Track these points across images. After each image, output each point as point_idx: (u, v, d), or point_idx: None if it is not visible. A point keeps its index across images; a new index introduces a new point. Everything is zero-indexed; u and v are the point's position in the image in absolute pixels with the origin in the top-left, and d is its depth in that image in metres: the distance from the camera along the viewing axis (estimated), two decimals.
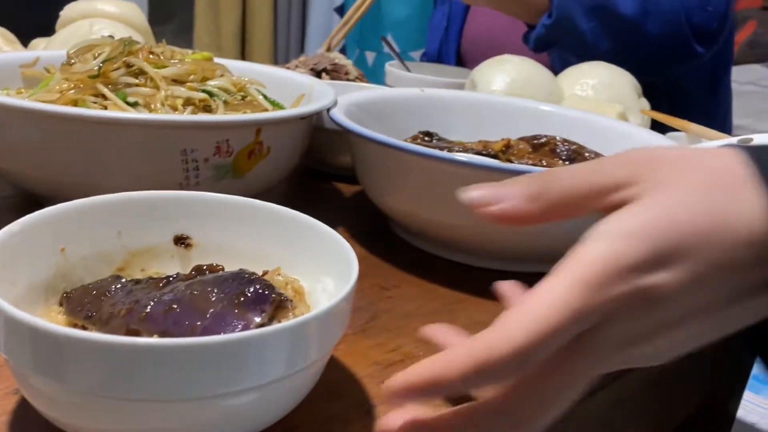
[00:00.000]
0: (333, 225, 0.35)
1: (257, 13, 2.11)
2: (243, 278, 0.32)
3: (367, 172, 0.55)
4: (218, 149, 0.46)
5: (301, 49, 2.25)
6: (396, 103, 0.67)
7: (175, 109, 0.48)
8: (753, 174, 0.25)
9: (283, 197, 0.64)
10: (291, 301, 0.32)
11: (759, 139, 0.44)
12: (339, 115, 0.54)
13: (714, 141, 0.69)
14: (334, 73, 0.84)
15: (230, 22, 2.09)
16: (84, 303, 0.32)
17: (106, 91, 0.48)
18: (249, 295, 0.31)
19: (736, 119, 1.48)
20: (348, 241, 0.34)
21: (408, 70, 1.02)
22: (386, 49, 2.08)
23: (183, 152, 0.44)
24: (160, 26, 2.32)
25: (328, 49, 0.94)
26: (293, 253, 0.36)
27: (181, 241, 0.37)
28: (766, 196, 0.24)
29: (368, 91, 0.66)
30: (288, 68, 0.87)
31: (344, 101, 0.59)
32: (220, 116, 0.47)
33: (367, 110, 0.62)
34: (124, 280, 0.34)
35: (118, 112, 0.46)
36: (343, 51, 2.46)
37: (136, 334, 0.30)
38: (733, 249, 0.24)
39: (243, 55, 2.14)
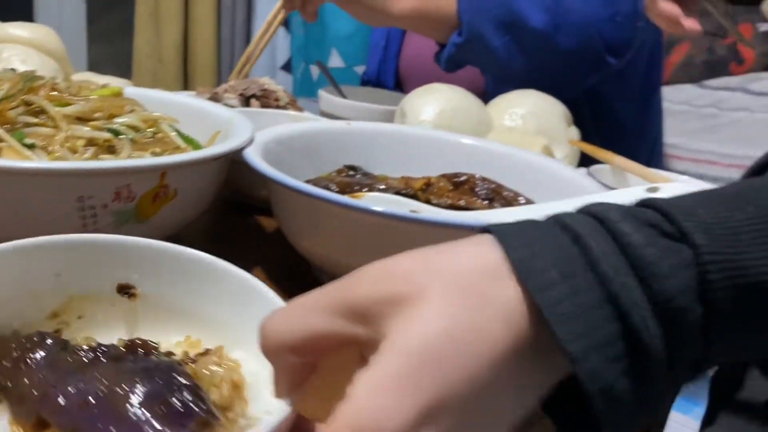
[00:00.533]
0: (253, 264, 0.34)
1: (200, 24, 2.07)
2: (172, 381, 0.29)
3: (283, 214, 0.54)
4: (118, 195, 0.44)
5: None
6: (321, 136, 0.66)
7: (74, 151, 0.46)
8: (504, 272, 0.24)
9: (202, 234, 0.63)
10: (218, 420, 0.29)
11: (668, 189, 0.45)
12: (254, 154, 0.52)
13: (637, 174, 0.70)
14: (264, 99, 0.83)
15: (172, 32, 2.05)
16: (2, 366, 0.31)
17: (1, 131, 0.46)
18: (174, 406, 0.28)
19: (671, 138, 1.52)
20: (268, 283, 0.32)
21: (343, 95, 1.01)
22: (331, 64, 2.07)
23: (79, 199, 0.42)
24: (98, 25, 2.26)
25: (245, 77, 0.93)
26: (235, 316, 0.34)
27: (124, 290, 0.36)
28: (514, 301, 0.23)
29: (292, 126, 0.65)
30: (216, 93, 0.85)
31: (264, 137, 0.58)
32: (118, 162, 0.45)
33: (290, 145, 0.61)
34: (49, 342, 0.31)
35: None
36: (288, 64, 2.44)
37: (46, 425, 0.28)
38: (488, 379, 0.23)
39: (186, 67, 2.10)
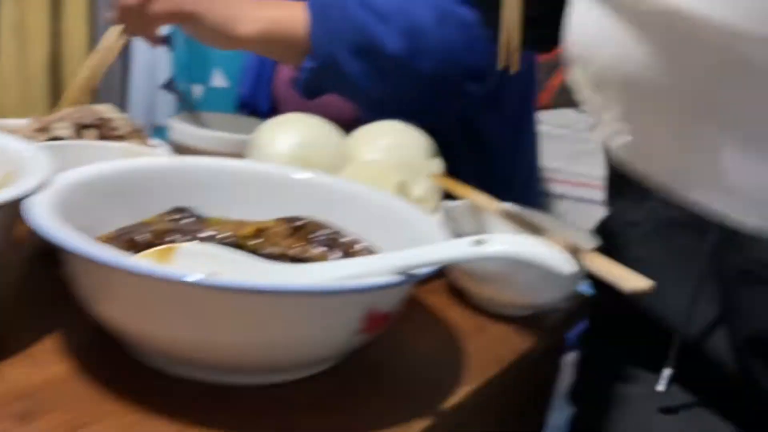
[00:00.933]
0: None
1: (70, 39, 1.94)
2: None
3: (69, 275, 0.46)
4: None
5: (123, 85, 2.10)
6: (148, 174, 0.59)
7: None
8: None
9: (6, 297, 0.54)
10: None
11: (495, 242, 0.41)
12: (41, 201, 0.45)
13: (493, 213, 0.67)
14: (100, 128, 0.75)
15: (38, 48, 1.91)
16: None
17: None
18: None
19: (552, 162, 1.53)
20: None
21: (200, 122, 0.94)
22: (213, 84, 1.98)
23: None
24: None
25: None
26: None
27: None
28: None
29: (113, 164, 0.57)
30: (49, 122, 0.76)
31: (68, 178, 0.50)
32: None
33: (102, 187, 0.54)
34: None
35: None
36: (170, 83, 2.33)
37: None
38: None
39: (55, 86, 1.96)
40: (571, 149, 1.60)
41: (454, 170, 1.07)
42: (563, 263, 0.41)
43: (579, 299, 0.69)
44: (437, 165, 0.80)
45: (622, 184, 0.75)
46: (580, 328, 1.13)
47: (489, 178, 1.13)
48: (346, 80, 0.85)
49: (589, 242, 0.63)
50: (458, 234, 0.63)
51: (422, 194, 0.77)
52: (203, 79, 2.05)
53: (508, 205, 0.68)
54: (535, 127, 1.22)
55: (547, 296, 0.62)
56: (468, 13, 0.85)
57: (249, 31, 0.84)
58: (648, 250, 0.69)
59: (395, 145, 0.77)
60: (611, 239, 0.77)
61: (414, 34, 0.83)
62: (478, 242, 0.41)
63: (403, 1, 0.85)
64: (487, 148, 1.09)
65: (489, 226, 0.69)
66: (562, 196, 1.54)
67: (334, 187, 0.60)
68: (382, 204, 0.58)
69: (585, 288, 0.83)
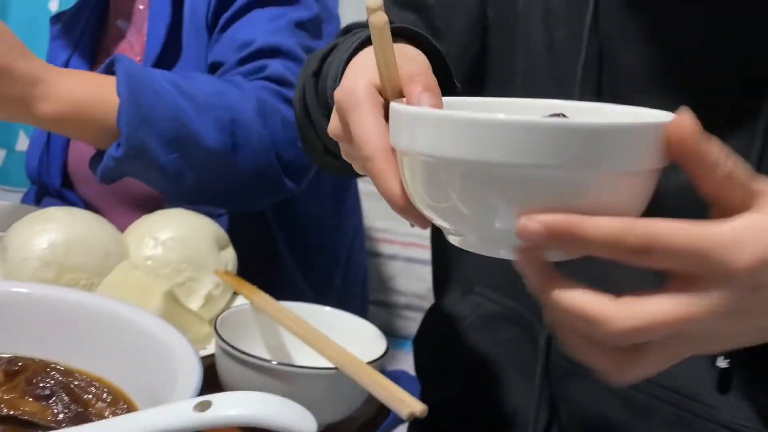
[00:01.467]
0: None
1: None
2: None
3: None
4: None
5: None
6: None
7: None
8: None
9: None
10: None
11: (222, 403, 0.35)
12: None
13: (273, 318, 0.61)
14: None
15: None
16: None
17: None
18: None
19: (380, 222, 1.51)
20: None
21: None
22: (19, 148, 1.81)
23: None
24: None
25: None
26: None
27: None
28: None
29: None
30: None
31: None
32: None
33: None
34: None
35: None
36: None
37: None
38: None
39: None
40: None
41: (271, 250, 1.02)
42: (303, 424, 0.36)
43: (375, 405, 0.65)
44: (228, 256, 0.74)
45: (447, 278, 0.74)
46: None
47: (310, 253, 1.08)
48: (156, 170, 0.76)
49: (379, 347, 0.59)
50: (237, 339, 0.57)
51: (210, 292, 0.70)
52: (9, 142, 1.87)
53: (291, 307, 0.63)
54: (357, 192, 1.20)
55: (332, 415, 0.57)
56: (289, 111, 0.82)
57: (49, 112, 0.73)
58: (475, 342, 0.67)
59: (179, 238, 0.70)
60: (438, 330, 0.75)
61: (234, 129, 0.78)
62: (203, 406, 0.35)
63: (223, 92, 0.80)
64: (307, 225, 1.05)
65: (268, 332, 0.63)
66: (393, 257, 1.53)
67: (77, 305, 0.52)
68: (133, 328, 0.51)
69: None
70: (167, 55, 0.94)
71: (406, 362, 1.48)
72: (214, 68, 0.91)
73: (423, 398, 0.81)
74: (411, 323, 1.60)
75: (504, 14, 0.61)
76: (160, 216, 0.72)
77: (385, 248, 1.53)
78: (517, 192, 0.33)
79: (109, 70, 0.77)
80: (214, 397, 0.35)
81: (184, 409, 0.35)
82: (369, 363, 0.54)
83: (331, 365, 0.54)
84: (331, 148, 0.58)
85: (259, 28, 0.88)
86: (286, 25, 0.89)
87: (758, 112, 0.48)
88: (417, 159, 0.36)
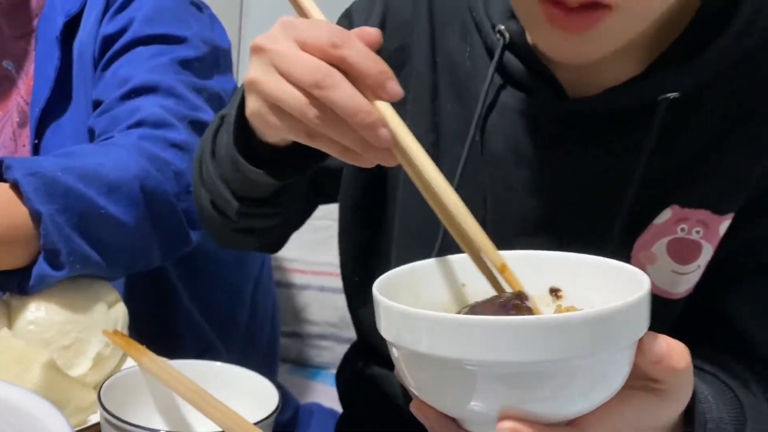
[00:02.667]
0: None
1: None
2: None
3: None
4: None
5: None
6: None
7: None
8: None
9: None
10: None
11: None
12: None
13: (162, 381, 0.60)
14: None
15: None
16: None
17: None
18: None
19: (292, 252, 1.50)
20: None
21: None
22: None
23: None
24: None
25: None
26: None
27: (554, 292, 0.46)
28: None
29: None
30: None
31: None
32: None
33: None
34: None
35: None
36: None
37: None
38: None
39: None
40: (311, 238, 1.60)
41: (170, 297, 1.00)
42: None
43: None
44: (118, 312, 0.72)
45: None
46: None
47: (212, 295, 1.07)
48: (93, 266, 0.71)
49: (271, 402, 0.59)
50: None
51: (100, 352, 0.68)
52: None
53: (184, 365, 0.62)
54: None
55: None
56: (175, 157, 0.79)
57: None
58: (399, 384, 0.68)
59: (65, 298, 0.68)
60: (358, 368, 0.76)
61: (144, 197, 0.75)
62: None
63: (121, 165, 0.74)
64: (206, 265, 1.04)
65: (160, 393, 0.62)
66: (305, 287, 1.52)
67: None
68: (5, 406, 0.49)
69: None
70: (57, 100, 0.92)
71: (322, 393, 1.48)
72: (96, 106, 0.89)
73: (343, 422, 0.81)
74: (325, 352, 1.60)
75: None
76: None
77: (297, 278, 1.53)
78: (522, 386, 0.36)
79: None
80: None
81: None
82: (258, 422, 0.54)
83: (218, 429, 0.53)
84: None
85: (140, 65, 0.87)
86: (168, 62, 0.87)
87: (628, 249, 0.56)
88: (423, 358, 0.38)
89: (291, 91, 0.46)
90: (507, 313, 0.40)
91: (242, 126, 0.55)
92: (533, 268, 0.46)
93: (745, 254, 0.56)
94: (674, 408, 0.44)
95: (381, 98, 0.45)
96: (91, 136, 0.87)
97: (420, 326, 0.37)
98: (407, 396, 0.69)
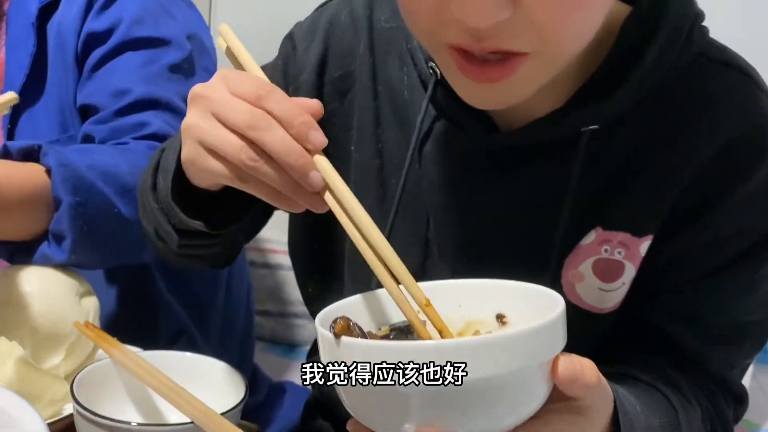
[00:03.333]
0: None
1: None
2: None
3: None
4: None
5: None
6: None
7: None
8: None
9: None
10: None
11: None
12: None
13: (134, 374, 0.63)
14: None
15: None
16: None
17: None
18: None
19: (266, 232, 1.52)
20: None
21: None
22: None
23: None
24: None
25: None
26: None
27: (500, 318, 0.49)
28: None
29: None
30: None
31: None
32: None
33: None
34: None
35: None
36: None
37: None
38: None
39: None
40: (285, 217, 1.62)
41: (148, 282, 1.01)
42: None
43: None
44: (90, 304, 0.74)
45: None
46: None
47: (192, 278, 1.08)
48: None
49: (238, 392, 0.61)
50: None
51: (73, 343, 0.70)
52: None
53: (155, 356, 0.64)
54: (244, 261, 1.23)
55: None
56: None
57: None
58: None
59: (35, 293, 0.70)
60: None
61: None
62: None
63: (134, 168, 0.78)
64: (193, 298, 1.07)
65: (132, 384, 0.64)
66: (278, 266, 1.55)
67: None
68: None
69: None
70: (32, 88, 0.92)
71: (296, 370, 1.51)
72: (86, 110, 0.91)
73: (312, 406, 0.84)
74: (300, 330, 1.63)
75: (342, 158, 0.67)
76: (12, 273, 0.71)
77: (271, 258, 1.55)
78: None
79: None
80: None
81: None
82: (225, 412, 0.57)
83: (188, 420, 0.56)
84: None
85: (133, 74, 0.89)
86: (161, 71, 0.90)
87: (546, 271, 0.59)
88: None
89: (226, 134, 0.47)
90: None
91: (179, 171, 0.57)
92: (478, 296, 0.49)
93: (666, 270, 0.60)
94: (597, 421, 0.46)
95: (306, 148, 0.47)
96: (85, 139, 0.89)
97: (353, 354, 0.40)
98: None
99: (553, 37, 0.46)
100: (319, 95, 0.67)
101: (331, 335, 0.42)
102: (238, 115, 0.47)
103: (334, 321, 0.43)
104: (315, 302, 0.76)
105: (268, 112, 0.47)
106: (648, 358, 0.60)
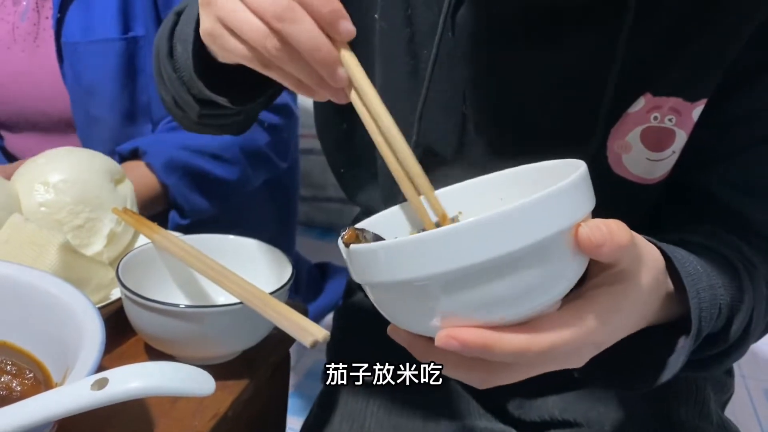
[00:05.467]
0: None
1: None
2: None
3: None
4: None
5: None
6: None
7: None
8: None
9: None
10: None
11: (119, 375, 0.36)
12: None
13: (178, 256, 0.62)
14: None
15: None
16: None
17: None
18: None
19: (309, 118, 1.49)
20: None
21: None
22: None
23: None
24: None
25: None
26: None
27: None
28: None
29: None
30: None
31: None
32: None
33: None
34: None
35: None
36: None
37: None
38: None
39: None
40: (311, 101, 1.57)
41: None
42: (201, 386, 0.37)
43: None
44: (126, 189, 0.73)
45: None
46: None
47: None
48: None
49: (284, 273, 0.60)
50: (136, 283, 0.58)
51: (113, 229, 0.69)
52: None
53: (196, 239, 0.63)
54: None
55: (244, 343, 0.60)
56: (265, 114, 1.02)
57: None
58: None
59: (71, 179, 0.68)
60: None
61: (245, 156, 1.03)
62: (101, 384, 0.36)
63: (219, 139, 0.98)
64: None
65: (175, 268, 0.64)
66: (308, 151, 1.52)
67: None
68: (31, 290, 0.51)
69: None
70: None
71: (332, 252, 1.52)
72: None
73: (350, 291, 0.85)
74: (334, 213, 1.63)
75: (364, 27, 0.62)
76: (47, 158, 0.70)
77: (300, 143, 1.52)
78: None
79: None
80: (111, 373, 0.36)
81: (81, 389, 0.36)
82: (272, 293, 0.56)
83: (236, 300, 0.55)
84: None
85: None
86: None
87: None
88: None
89: (251, 19, 0.44)
90: None
91: (198, 41, 0.54)
92: (518, 183, 0.46)
93: (721, 134, 0.56)
94: (646, 284, 0.43)
95: (334, 38, 0.44)
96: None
97: (377, 257, 0.38)
98: None
99: None
100: None
101: (342, 244, 0.41)
102: (265, 2, 0.44)
103: (344, 229, 0.42)
104: (350, 185, 0.74)
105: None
106: (702, 225, 0.57)
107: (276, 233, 1.25)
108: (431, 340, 0.39)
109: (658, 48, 0.54)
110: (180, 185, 0.96)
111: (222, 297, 0.63)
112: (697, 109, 0.55)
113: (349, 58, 0.45)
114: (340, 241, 0.42)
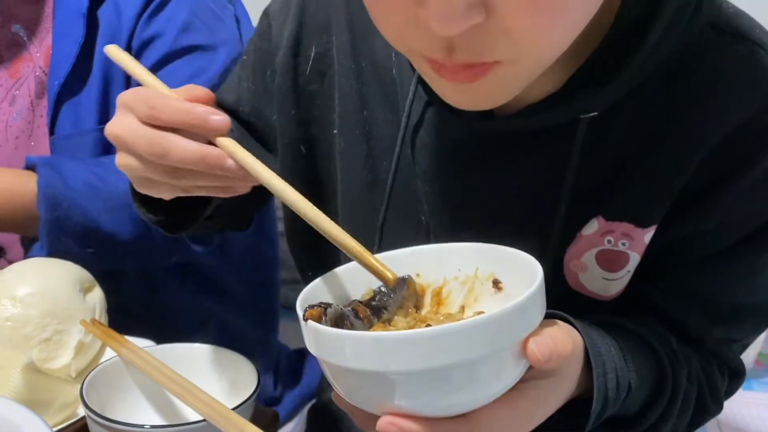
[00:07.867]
0: None
1: None
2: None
3: None
4: None
5: None
6: None
7: None
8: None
9: None
10: None
11: None
12: None
13: (142, 370, 0.62)
14: None
15: None
16: None
17: None
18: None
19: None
20: None
21: None
22: None
23: None
24: None
25: None
26: None
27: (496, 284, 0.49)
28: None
29: None
30: None
31: None
32: None
33: None
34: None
35: None
36: None
37: None
38: None
39: None
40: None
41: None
42: None
43: None
44: (95, 298, 0.73)
45: None
46: None
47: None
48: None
49: (251, 384, 0.60)
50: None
51: (81, 340, 0.69)
52: None
53: (163, 350, 0.63)
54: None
55: None
56: None
57: None
58: None
59: (38, 292, 0.68)
60: None
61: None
62: None
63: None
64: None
65: (143, 381, 0.64)
66: None
67: None
68: None
69: None
70: (77, 77, 0.94)
71: None
72: None
73: (321, 389, 0.84)
74: None
75: (326, 143, 0.66)
76: (14, 272, 0.70)
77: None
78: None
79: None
80: None
81: None
82: (238, 406, 0.56)
83: (200, 418, 0.55)
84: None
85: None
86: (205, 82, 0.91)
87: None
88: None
89: (147, 165, 0.51)
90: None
91: None
92: (449, 258, 0.49)
93: (669, 253, 0.58)
94: (572, 375, 0.47)
95: (213, 138, 0.49)
96: None
97: (343, 345, 0.40)
98: None
99: (529, 45, 0.41)
100: (295, 77, 0.64)
101: (303, 321, 0.43)
102: (140, 146, 0.49)
103: (306, 308, 0.43)
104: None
105: (165, 123, 0.49)
106: (646, 320, 0.59)
107: (259, 314, 1.24)
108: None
109: (607, 175, 0.55)
110: (52, 225, 0.84)
111: (191, 411, 0.63)
112: (649, 234, 0.56)
113: (227, 144, 0.49)
114: (299, 311, 0.43)
